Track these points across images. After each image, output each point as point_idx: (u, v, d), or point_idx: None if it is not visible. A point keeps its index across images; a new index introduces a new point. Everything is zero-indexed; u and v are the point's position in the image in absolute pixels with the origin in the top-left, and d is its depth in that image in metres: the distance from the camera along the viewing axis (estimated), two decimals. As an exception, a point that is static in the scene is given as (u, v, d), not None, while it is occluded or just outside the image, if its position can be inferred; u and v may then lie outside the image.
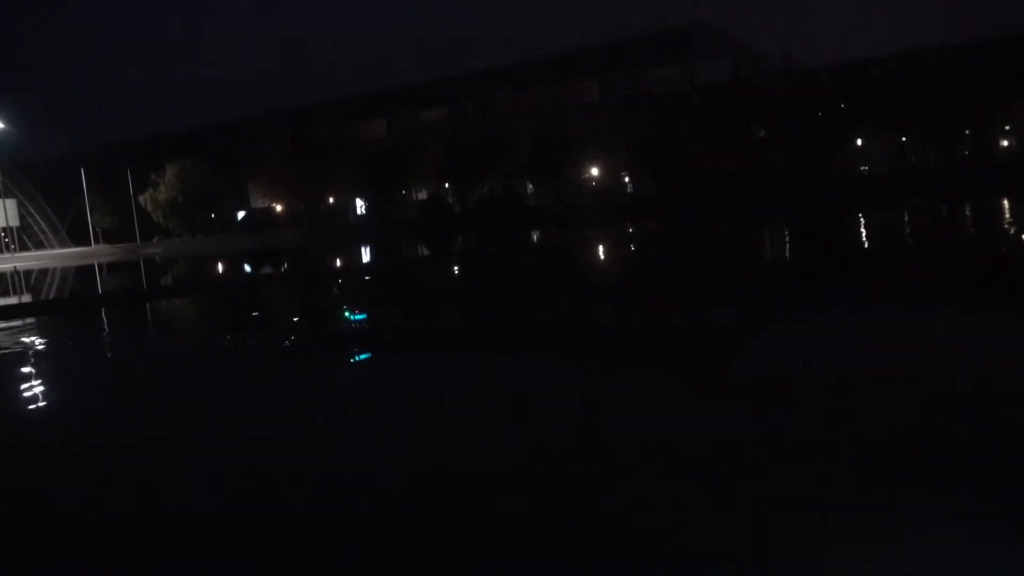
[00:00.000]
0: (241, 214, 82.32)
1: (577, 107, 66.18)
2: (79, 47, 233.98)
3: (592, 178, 68.43)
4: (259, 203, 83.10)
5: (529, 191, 69.49)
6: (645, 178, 63.53)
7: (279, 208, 79.96)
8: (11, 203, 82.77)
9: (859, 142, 61.29)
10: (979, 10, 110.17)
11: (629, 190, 68.32)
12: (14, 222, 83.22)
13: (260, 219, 77.72)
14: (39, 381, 10.46)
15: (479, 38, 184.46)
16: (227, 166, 77.73)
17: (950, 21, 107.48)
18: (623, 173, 67.76)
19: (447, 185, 71.15)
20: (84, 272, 45.70)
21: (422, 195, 75.91)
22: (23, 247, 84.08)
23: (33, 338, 15.62)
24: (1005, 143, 59.75)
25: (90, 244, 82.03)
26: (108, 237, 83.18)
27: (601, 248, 30.60)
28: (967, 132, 56.44)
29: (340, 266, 33.62)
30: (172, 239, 75.63)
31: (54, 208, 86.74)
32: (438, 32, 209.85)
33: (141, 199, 77.01)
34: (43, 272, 48.18)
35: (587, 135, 60.11)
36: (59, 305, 24.14)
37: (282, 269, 34.67)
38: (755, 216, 38.67)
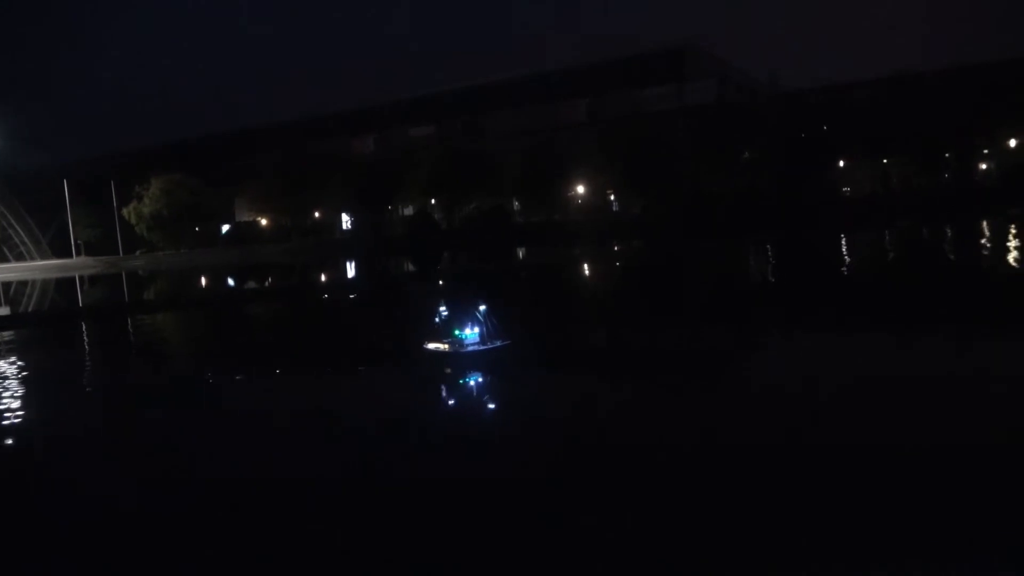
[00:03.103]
0: (226, 228, 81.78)
1: (566, 126, 66.48)
2: (64, 59, 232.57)
3: (578, 196, 68.75)
4: (244, 217, 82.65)
5: (516, 208, 69.66)
6: (632, 197, 63.90)
7: (264, 222, 79.53)
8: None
9: (841, 163, 62.09)
10: (964, 37, 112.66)
11: (615, 208, 68.69)
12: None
13: (245, 233, 77.18)
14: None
15: (470, 55, 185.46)
16: (213, 180, 77.27)
17: (935, 47, 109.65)
18: (609, 192, 68.15)
19: (433, 201, 71.19)
20: (60, 286, 45.21)
21: (408, 211, 75.85)
22: (2, 259, 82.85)
23: None
24: (984, 166, 60.78)
25: (72, 256, 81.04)
26: (90, 250, 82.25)
27: (595, 267, 30.79)
28: (947, 155, 57.43)
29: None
30: (156, 252, 74.93)
31: (36, 220, 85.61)
32: (429, 48, 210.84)
33: (125, 212, 76.30)
34: (21, 284, 47.62)
35: (575, 154, 60.45)
36: (26, 319, 23.84)
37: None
38: (738, 237, 38.99)
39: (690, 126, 57.31)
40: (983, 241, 27.87)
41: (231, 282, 37.90)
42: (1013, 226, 32.13)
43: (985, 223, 34.60)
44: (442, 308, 10.72)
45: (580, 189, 67.85)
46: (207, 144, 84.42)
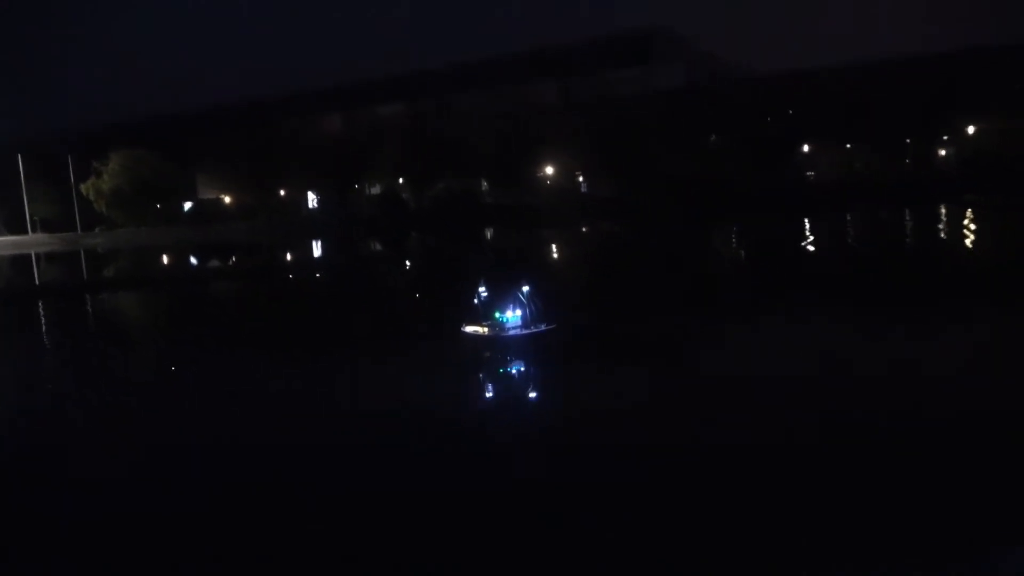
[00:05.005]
0: (188, 205, 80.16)
1: (535, 108, 66.16)
2: (22, 33, 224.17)
3: (547, 177, 68.65)
4: (207, 195, 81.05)
5: (484, 188, 69.35)
6: (600, 179, 63.99)
7: (228, 200, 78.11)
8: (-58, 189, 78.78)
9: (806, 148, 62.86)
10: (927, 26, 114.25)
11: (584, 190, 68.72)
12: (-55, 209, 79.29)
13: (209, 211, 75.77)
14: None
15: (438, 36, 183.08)
16: (175, 157, 75.52)
17: (900, 35, 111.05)
18: (578, 174, 68.17)
19: (401, 181, 70.62)
20: (13, 263, 44.25)
21: (375, 190, 75.05)
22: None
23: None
24: (943, 152, 62.02)
25: (27, 233, 78.89)
26: (47, 226, 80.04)
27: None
28: (908, 141, 58.53)
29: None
30: (116, 230, 73.20)
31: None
32: (398, 28, 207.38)
33: (83, 188, 74.28)
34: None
35: (545, 135, 60.32)
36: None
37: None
38: (717, 222, 39.52)
39: (659, 108, 57.41)
40: (939, 227, 28.65)
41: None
42: (969, 212, 33.03)
43: (943, 209, 35.49)
44: (482, 289, 9.95)
45: (549, 170, 67.75)
46: (171, 121, 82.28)
